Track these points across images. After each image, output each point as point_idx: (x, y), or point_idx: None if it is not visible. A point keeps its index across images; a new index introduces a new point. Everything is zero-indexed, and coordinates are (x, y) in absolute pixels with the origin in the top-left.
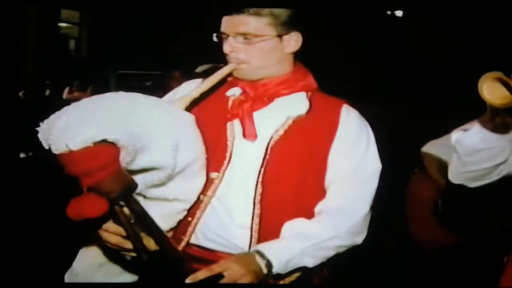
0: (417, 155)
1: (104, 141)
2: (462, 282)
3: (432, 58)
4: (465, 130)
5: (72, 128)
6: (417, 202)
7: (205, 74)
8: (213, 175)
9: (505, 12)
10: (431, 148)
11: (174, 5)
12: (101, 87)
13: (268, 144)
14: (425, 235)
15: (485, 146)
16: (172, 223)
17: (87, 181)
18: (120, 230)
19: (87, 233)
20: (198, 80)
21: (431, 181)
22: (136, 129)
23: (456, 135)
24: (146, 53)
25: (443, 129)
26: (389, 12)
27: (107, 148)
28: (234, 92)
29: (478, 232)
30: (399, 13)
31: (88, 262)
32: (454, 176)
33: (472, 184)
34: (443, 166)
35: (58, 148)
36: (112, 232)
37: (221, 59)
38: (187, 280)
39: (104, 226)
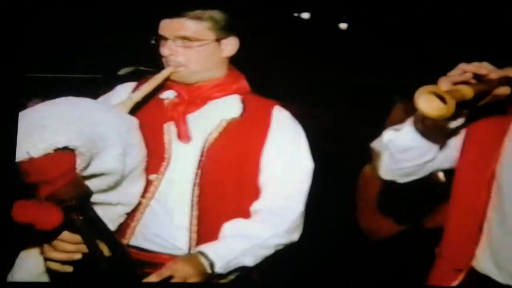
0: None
1: (64, 148)
2: (401, 273)
3: (373, 57)
4: (397, 130)
5: (34, 135)
6: (367, 195)
7: (129, 77)
8: (152, 177)
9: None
10: (376, 142)
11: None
12: (8, 91)
13: (204, 146)
14: (372, 227)
15: (415, 144)
16: (114, 227)
17: (46, 189)
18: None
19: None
20: (132, 84)
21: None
22: (94, 135)
23: (388, 135)
24: (60, 55)
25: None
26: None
27: (66, 155)
28: (168, 95)
29: (413, 223)
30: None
31: (28, 271)
32: (386, 172)
33: (402, 180)
34: None
35: (18, 155)
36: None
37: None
38: None
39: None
